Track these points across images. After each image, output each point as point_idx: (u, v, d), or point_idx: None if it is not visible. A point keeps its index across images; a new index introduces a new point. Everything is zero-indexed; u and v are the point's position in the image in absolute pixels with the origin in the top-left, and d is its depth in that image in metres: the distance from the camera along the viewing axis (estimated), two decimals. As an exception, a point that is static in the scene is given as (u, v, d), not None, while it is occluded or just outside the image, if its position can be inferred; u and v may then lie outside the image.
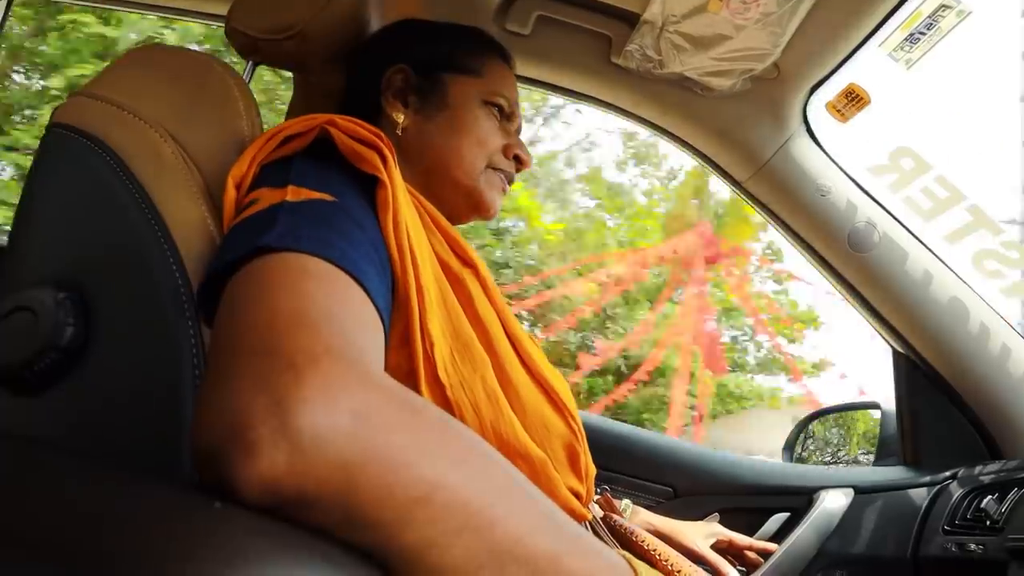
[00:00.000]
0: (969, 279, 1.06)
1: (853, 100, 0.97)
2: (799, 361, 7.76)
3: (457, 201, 0.74)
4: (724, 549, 0.95)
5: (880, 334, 1.15)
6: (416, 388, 0.53)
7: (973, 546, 0.85)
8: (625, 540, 0.77)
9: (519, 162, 0.78)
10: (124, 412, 0.51)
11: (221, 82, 0.63)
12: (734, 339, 8.29)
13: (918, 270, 1.05)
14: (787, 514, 1.10)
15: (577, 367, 6.92)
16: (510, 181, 0.78)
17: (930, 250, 1.06)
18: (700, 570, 0.74)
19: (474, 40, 0.78)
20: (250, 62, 0.77)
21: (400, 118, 0.72)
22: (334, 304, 0.42)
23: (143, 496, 0.30)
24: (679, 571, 0.71)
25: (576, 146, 8.81)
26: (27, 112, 5.07)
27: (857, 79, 0.96)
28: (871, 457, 1.25)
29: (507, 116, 0.77)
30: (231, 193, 0.55)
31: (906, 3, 0.84)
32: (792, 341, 7.99)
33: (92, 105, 0.59)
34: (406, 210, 0.57)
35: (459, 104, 0.74)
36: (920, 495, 1.00)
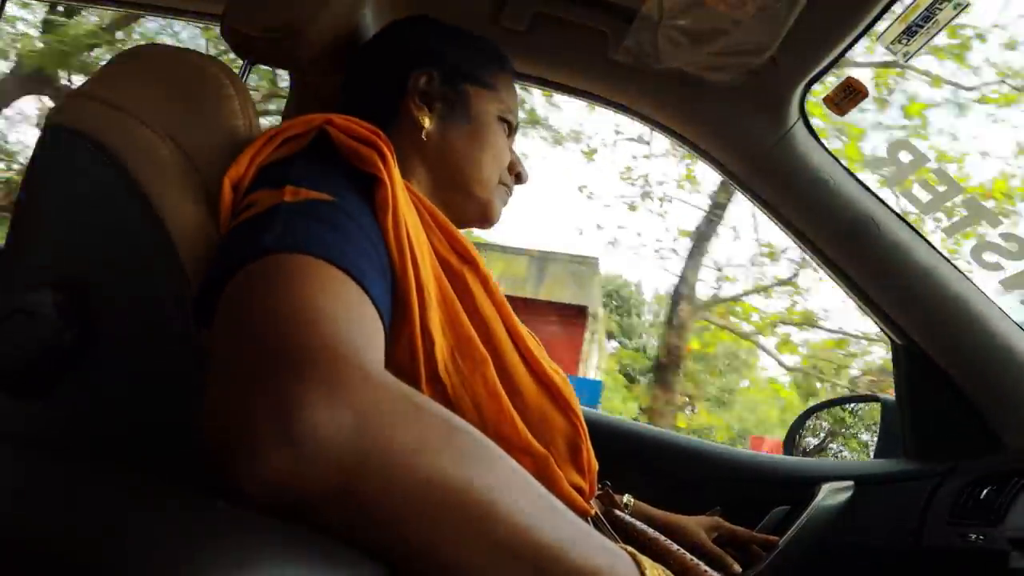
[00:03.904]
0: (968, 271, 1.06)
1: (850, 94, 0.97)
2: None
3: (467, 210, 0.76)
4: (726, 542, 0.95)
5: (880, 326, 1.15)
6: (417, 387, 0.53)
7: (974, 537, 0.85)
8: (627, 534, 0.78)
9: (518, 178, 0.82)
10: (124, 414, 0.51)
11: (217, 81, 0.63)
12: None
13: (917, 262, 1.05)
14: (788, 507, 1.10)
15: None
16: (509, 194, 0.82)
17: (928, 242, 1.06)
18: (702, 564, 0.74)
19: (490, 54, 0.80)
20: (246, 61, 0.76)
21: (427, 123, 0.72)
22: (334, 304, 0.42)
23: (149, 498, 0.30)
24: (682, 565, 0.71)
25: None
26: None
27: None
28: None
29: (511, 132, 0.80)
30: (227, 195, 0.54)
31: (903, -5, 0.84)
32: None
33: (88, 106, 0.59)
34: (405, 208, 0.57)
35: (481, 118, 0.75)
36: (921, 487, 1.00)
